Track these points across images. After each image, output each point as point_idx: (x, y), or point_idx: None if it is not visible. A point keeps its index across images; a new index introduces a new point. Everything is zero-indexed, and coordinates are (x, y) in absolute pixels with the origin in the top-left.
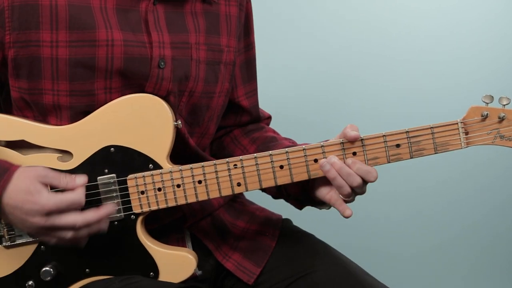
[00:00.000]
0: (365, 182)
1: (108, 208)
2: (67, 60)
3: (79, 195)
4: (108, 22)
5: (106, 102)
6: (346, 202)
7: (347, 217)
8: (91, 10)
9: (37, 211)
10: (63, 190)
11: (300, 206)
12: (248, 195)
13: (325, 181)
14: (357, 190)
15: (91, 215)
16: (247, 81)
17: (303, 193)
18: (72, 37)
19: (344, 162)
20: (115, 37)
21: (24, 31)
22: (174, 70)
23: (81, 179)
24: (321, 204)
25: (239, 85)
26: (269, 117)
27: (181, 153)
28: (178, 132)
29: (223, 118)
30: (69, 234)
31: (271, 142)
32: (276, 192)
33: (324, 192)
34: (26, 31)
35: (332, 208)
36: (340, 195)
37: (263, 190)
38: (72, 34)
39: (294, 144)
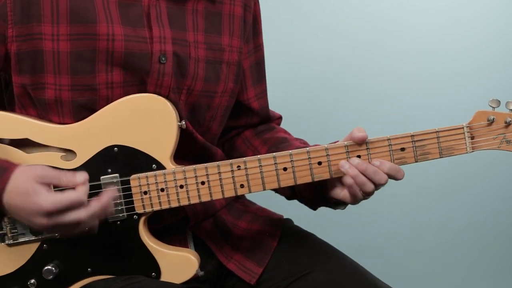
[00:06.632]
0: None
1: (110, 194)
2: (69, 54)
3: (79, 193)
4: (109, 16)
5: (107, 98)
6: (363, 199)
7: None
8: (93, 4)
9: (38, 212)
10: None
11: (314, 207)
12: (250, 196)
13: (337, 180)
14: (379, 188)
15: (94, 206)
16: (257, 83)
17: (317, 195)
18: (72, 30)
19: (372, 163)
20: (115, 32)
21: (26, 24)
22: (174, 66)
23: (82, 177)
24: (336, 204)
25: (249, 87)
26: (280, 117)
27: (190, 148)
28: (185, 129)
29: (234, 119)
30: (76, 228)
31: (283, 143)
32: (291, 194)
33: (338, 191)
34: (28, 25)
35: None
36: (360, 193)
37: (277, 191)
38: (72, 27)
39: (306, 144)
